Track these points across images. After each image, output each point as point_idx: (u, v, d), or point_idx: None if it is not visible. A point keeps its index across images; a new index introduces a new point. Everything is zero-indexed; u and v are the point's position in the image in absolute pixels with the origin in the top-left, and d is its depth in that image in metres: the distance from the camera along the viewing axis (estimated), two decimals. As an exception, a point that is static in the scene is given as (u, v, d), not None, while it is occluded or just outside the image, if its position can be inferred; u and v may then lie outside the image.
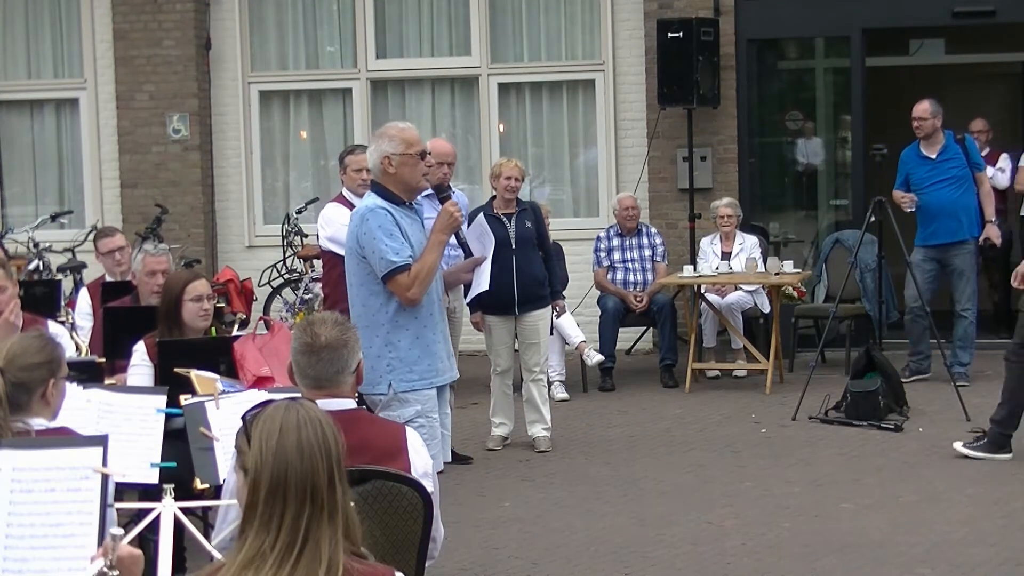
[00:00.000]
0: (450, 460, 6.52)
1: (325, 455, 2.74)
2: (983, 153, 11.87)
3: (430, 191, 6.85)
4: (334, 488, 2.73)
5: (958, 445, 8.35)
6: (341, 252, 7.17)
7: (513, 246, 8.69)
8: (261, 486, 2.72)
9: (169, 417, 5.30)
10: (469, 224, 8.88)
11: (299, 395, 4.08)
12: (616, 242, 11.17)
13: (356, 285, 5.81)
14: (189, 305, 6.26)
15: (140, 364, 6.18)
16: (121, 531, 3.11)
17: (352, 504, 2.83)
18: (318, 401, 3.93)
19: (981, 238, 10.31)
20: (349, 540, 2.77)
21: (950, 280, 10.39)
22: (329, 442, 2.76)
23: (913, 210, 10.39)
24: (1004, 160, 11.95)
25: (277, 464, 2.72)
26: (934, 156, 10.32)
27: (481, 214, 8.19)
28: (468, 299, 8.30)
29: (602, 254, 11.18)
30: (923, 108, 10.35)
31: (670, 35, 11.71)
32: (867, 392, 9.29)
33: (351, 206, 7.66)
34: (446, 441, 6.08)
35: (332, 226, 7.99)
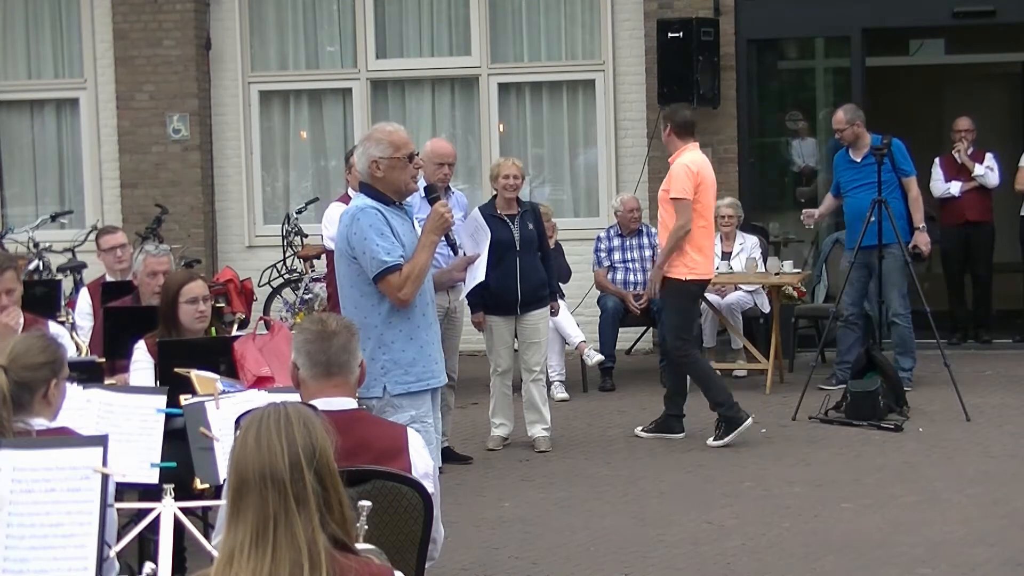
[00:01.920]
0: (441, 463, 6.49)
1: (287, 444, 2.71)
2: (968, 152, 11.88)
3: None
4: (301, 476, 2.70)
5: (638, 430, 9.08)
6: None
7: (517, 248, 8.68)
8: (231, 485, 2.75)
9: (169, 417, 5.30)
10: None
11: (297, 396, 4.09)
12: (616, 242, 11.16)
13: (347, 286, 5.73)
14: (185, 307, 6.26)
15: (141, 360, 6.18)
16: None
17: (346, 497, 2.81)
18: (322, 399, 3.94)
19: (910, 245, 10.14)
20: (345, 534, 2.77)
21: (879, 285, 10.15)
22: (294, 433, 2.73)
23: (811, 227, 10.56)
24: (990, 159, 11.92)
25: (238, 459, 2.74)
26: (859, 160, 10.32)
27: (476, 209, 8.15)
28: (464, 294, 8.28)
29: (602, 254, 11.18)
30: (838, 118, 10.35)
31: (670, 35, 11.70)
32: (867, 392, 9.29)
33: None
34: (437, 444, 6.06)
35: (336, 225, 7.99)
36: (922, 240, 10.15)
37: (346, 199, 8.21)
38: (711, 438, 8.86)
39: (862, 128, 10.34)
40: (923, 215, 10.32)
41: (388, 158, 5.62)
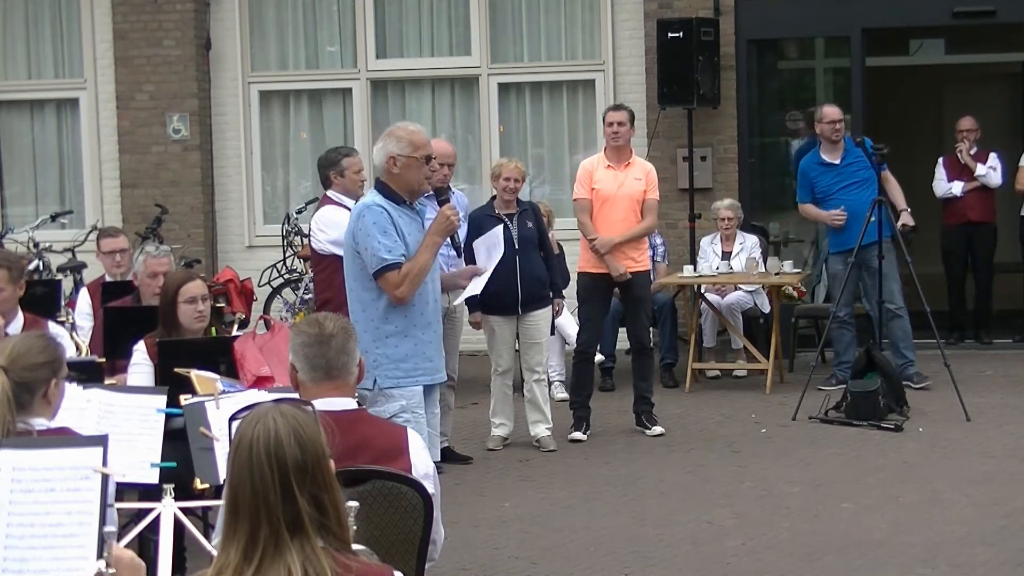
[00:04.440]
0: (439, 459, 6.49)
1: (277, 469, 2.67)
2: (971, 152, 11.87)
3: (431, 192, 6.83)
4: (292, 501, 2.67)
5: (577, 434, 9.08)
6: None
7: (516, 246, 8.69)
8: (226, 500, 2.73)
9: (169, 417, 5.30)
10: (469, 225, 8.89)
11: (296, 396, 4.08)
12: (616, 242, 11.14)
13: (351, 279, 5.86)
14: (183, 307, 6.27)
15: (140, 363, 6.19)
16: (113, 529, 3.10)
17: (344, 504, 2.80)
18: (320, 400, 3.93)
19: (899, 225, 10.08)
20: (344, 539, 2.76)
21: (876, 281, 10.04)
22: (285, 456, 2.68)
23: (840, 223, 10.31)
24: (994, 159, 11.92)
25: (231, 482, 2.72)
26: (838, 162, 10.32)
27: (500, 227, 7.96)
28: (459, 300, 8.26)
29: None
30: (839, 111, 10.35)
31: (670, 35, 11.70)
32: (867, 392, 9.29)
33: (347, 208, 7.60)
34: (434, 441, 6.07)
35: (337, 229, 7.86)
36: (908, 219, 10.13)
37: (334, 202, 8.10)
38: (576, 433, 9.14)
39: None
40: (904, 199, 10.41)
41: (406, 156, 5.73)
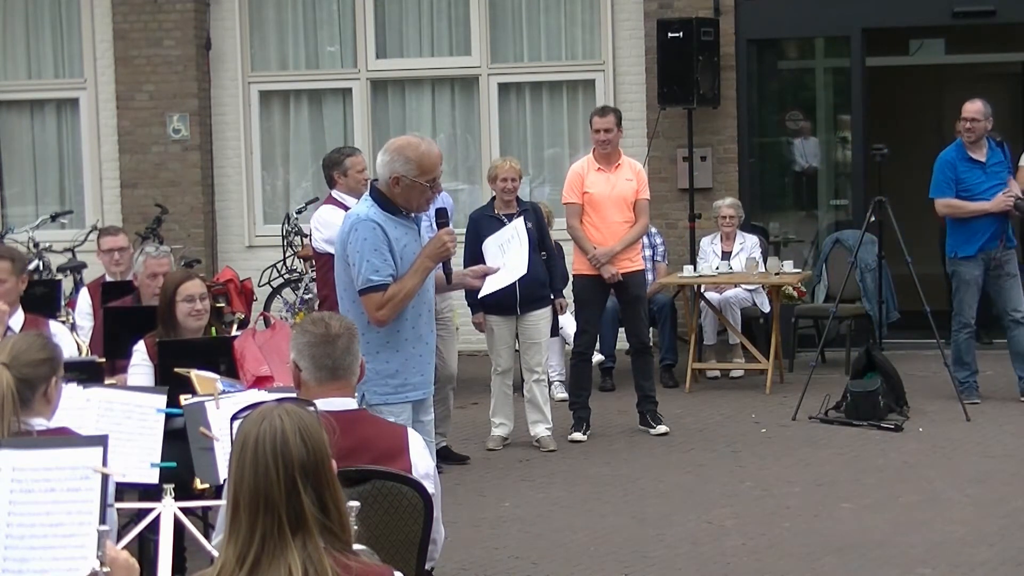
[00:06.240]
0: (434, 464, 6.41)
1: (283, 467, 2.68)
2: None
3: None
4: (296, 499, 2.68)
5: (577, 435, 9.11)
6: None
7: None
8: (228, 499, 2.74)
9: (169, 417, 5.30)
10: (469, 226, 8.90)
11: (295, 395, 4.08)
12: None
13: (342, 289, 5.61)
14: (181, 305, 6.30)
15: (140, 364, 6.19)
16: (107, 527, 3.10)
17: (346, 504, 2.80)
18: (321, 400, 3.94)
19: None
20: (345, 540, 2.76)
21: (1001, 286, 9.85)
22: (291, 452, 2.69)
23: (1011, 205, 9.70)
24: None
25: (234, 478, 2.72)
26: (984, 160, 9.88)
27: (521, 219, 7.79)
28: (481, 295, 8.19)
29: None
30: (976, 108, 9.81)
31: (670, 35, 11.70)
32: (867, 392, 9.29)
33: (346, 208, 7.61)
34: (430, 448, 5.98)
35: (331, 229, 7.91)
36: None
37: (335, 201, 8.15)
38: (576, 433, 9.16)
39: (991, 126, 9.95)
40: None
41: (411, 179, 5.43)
